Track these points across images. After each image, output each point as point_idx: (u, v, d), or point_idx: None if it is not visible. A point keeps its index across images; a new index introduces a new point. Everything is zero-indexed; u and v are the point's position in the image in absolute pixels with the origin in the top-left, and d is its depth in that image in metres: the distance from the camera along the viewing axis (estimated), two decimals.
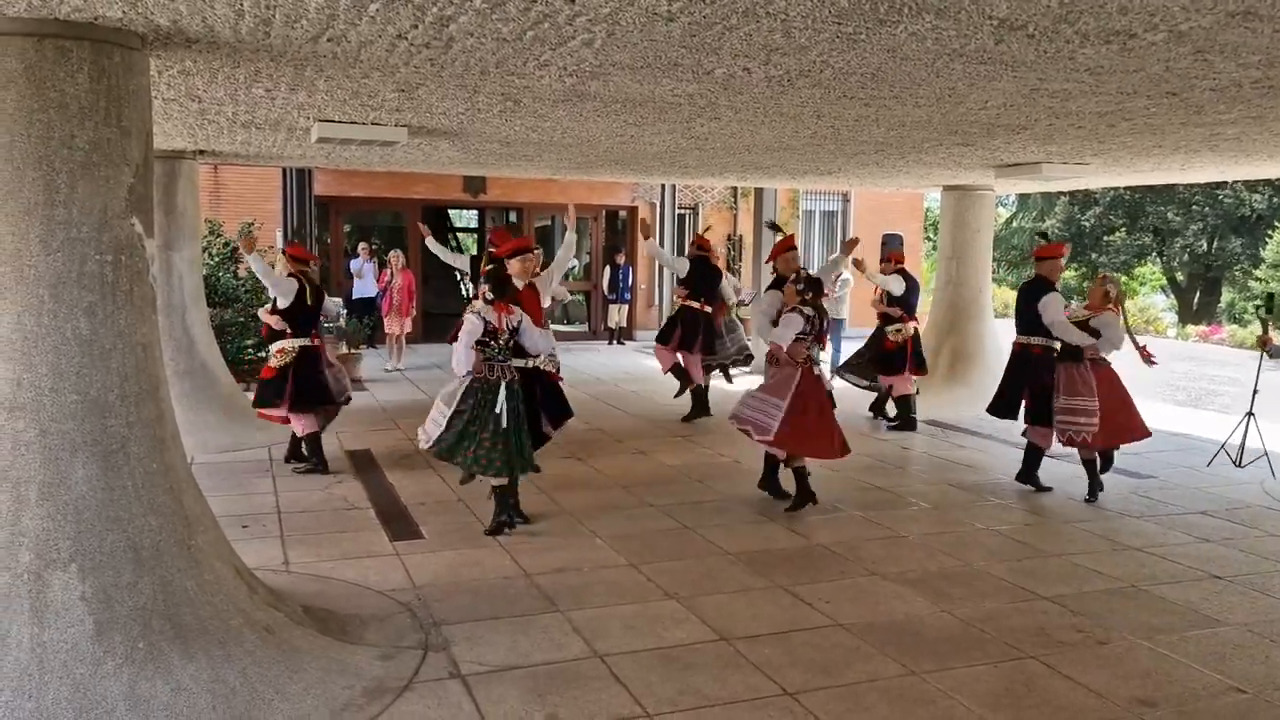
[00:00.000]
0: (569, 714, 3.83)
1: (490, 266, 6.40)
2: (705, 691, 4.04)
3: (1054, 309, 7.10)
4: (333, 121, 6.36)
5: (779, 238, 7.94)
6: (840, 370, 10.07)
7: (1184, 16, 3.30)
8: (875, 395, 10.22)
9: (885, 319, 9.65)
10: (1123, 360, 7.16)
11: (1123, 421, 7.08)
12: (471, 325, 5.81)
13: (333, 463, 7.85)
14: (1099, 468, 7.27)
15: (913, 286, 9.65)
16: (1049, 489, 7.40)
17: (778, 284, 7.38)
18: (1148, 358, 7.03)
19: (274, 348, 7.43)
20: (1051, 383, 7.20)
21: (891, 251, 10.15)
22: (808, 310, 6.57)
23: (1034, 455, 7.43)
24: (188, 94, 5.38)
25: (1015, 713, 3.92)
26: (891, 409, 10.04)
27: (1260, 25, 3.40)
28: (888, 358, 9.62)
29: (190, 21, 3.61)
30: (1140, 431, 7.15)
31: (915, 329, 9.68)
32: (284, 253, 7.96)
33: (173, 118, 6.38)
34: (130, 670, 3.52)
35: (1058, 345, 7.24)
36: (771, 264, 7.89)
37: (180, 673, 3.59)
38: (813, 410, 6.52)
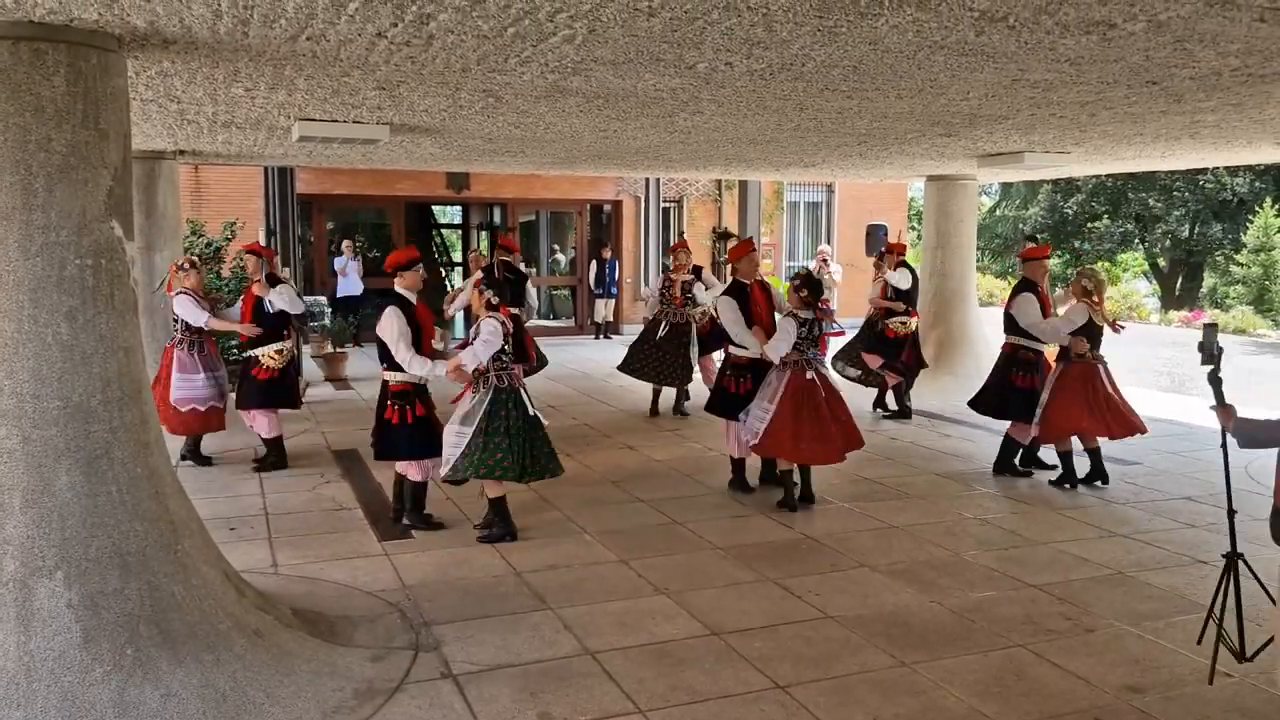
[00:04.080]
0: (561, 712, 3.83)
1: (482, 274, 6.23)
2: (697, 687, 4.05)
3: (1026, 311, 7.12)
4: (314, 120, 6.32)
5: (731, 243, 7.58)
6: (833, 361, 9.95)
7: (1163, 6, 3.31)
8: (876, 390, 10.02)
9: (887, 313, 9.46)
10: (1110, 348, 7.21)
11: (1114, 418, 7.00)
12: (493, 329, 5.68)
13: (320, 463, 7.86)
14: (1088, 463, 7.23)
15: (915, 280, 9.60)
16: (1028, 473, 7.47)
17: (736, 289, 6.95)
18: (1115, 327, 7.11)
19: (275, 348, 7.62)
20: (1038, 382, 7.21)
21: (894, 244, 9.82)
22: (803, 314, 6.43)
23: (1010, 447, 7.50)
24: (166, 95, 5.33)
25: (1005, 701, 3.94)
26: (891, 402, 9.99)
27: (1238, 14, 3.42)
28: (890, 345, 9.47)
29: (167, 22, 3.58)
30: (1136, 427, 7.05)
31: (916, 324, 9.65)
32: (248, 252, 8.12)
33: (152, 118, 6.33)
34: (119, 677, 3.50)
35: (1043, 346, 7.30)
36: (731, 265, 7.30)
37: (169, 678, 3.58)
38: (806, 415, 6.36)
